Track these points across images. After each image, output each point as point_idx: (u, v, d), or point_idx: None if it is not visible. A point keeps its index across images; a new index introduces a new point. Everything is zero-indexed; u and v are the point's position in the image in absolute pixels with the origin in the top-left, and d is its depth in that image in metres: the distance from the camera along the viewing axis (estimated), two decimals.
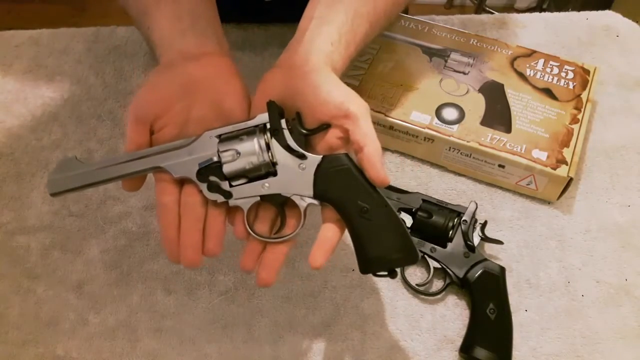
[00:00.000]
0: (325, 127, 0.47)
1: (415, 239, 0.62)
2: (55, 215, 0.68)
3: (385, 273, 0.47)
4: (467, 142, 0.66)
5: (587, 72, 0.72)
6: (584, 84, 0.71)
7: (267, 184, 0.47)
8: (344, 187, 0.46)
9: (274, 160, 0.47)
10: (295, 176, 0.47)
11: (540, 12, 0.90)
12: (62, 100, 0.78)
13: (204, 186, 0.47)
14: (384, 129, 0.69)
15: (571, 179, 0.63)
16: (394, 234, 0.47)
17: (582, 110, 0.69)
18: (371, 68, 0.73)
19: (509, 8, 2.18)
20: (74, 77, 0.80)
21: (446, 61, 0.73)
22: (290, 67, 0.49)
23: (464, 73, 0.72)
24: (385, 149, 0.72)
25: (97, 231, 0.67)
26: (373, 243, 0.47)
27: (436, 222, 0.62)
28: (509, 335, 0.58)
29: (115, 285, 0.63)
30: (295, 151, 0.47)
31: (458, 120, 0.68)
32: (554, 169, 0.64)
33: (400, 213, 0.64)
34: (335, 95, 0.46)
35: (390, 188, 0.66)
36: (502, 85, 0.71)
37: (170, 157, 0.47)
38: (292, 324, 0.60)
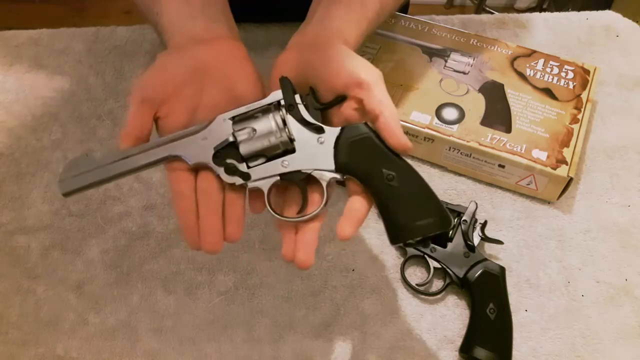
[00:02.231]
0: (340, 99, 0.46)
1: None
2: (55, 215, 0.68)
3: (414, 241, 0.45)
4: (467, 142, 0.66)
5: (587, 72, 0.73)
6: (584, 84, 0.71)
7: (286, 162, 0.46)
8: (366, 156, 0.45)
9: (292, 136, 0.45)
10: (315, 151, 0.45)
11: (540, 12, 0.90)
12: (62, 100, 0.78)
13: (221, 170, 0.45)
14: None
15: (571, 179, 0.63)
16: (423, 199, 0.44)
17: (582, 110, 0.69)
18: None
19: (509, 8, 2.18)
20: (74, 77, 0.80)
21: (446, 61, 0.73)
22: (301, 46, 0.49)
23: (464, 73, 0.72)
24: None
25: (97, 231, 0.67)
26: (402, 210, 0.44)
27: None
28: (509, 335, 0.58)
29: (115, 285, 0.63)
30: (312, 125, 0.45)
31: (458, 120, 0.68)
32: (554, 169, 0.64)
33: None
34: (347, 65, 0.45)
35: None
36: (502, 85, 0.71)
37: (183, 144, 0.46)
38: (292, 324, 0.60)
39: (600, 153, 0.72)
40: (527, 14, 0.89)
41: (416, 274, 0.64)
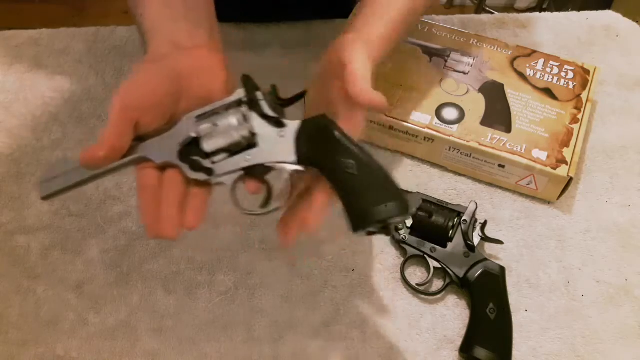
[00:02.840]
0: (300, 96, 0.48)
1: (415, 239, 0.62)
2: (55, 215, 0.68)
3: (377, 230, 0.45)
4: (467, 142, 0.66)
5: (587, 72, 0.72)
6: (584, 84, 0.71)
7: (248, 156, 0.46)
8: (326, 147, 0.45)
9: (253, 131, 0.46)
10: (277, 144, 0.46)
11: (540, 12, 0.90)
12: (62, 100, 0.78)
13: (186, 166, 0.46)
14: (384, 128, 0.69)
15: (571, 178, 0.63)
16: (382, 186, 0.45)
17: (582, 110, 0.69)
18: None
19: (509, 8, 2.18)
20: (74, 77, 0.80)
21: (446, 61, 0.73)
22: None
23: (464, 73, 0.72)
24: (385, 148, 0.72)
25: (97, 231, 0.67)
26: (361, 198, 0.45)
27: (436, 222, 0.62)
28: (509, 335, 0.58)
29: (115, 285, 0.63)
30: (273, 119, 0.46)
31: (458, 120, 0.68)
32: (554, 168, 0.64)
33: None
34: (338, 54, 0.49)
35: None
36: (502, 85, 0.71)
37: (151, 145, 0.47)
38: (292, 324, 0.60)
39: (600, 153, 0.72)
40: (527, 14, 0.89)
41: (416, 274, 0.64)
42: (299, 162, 0.46)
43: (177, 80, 0.47)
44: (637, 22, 0.87)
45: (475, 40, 0.76)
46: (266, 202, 0.49)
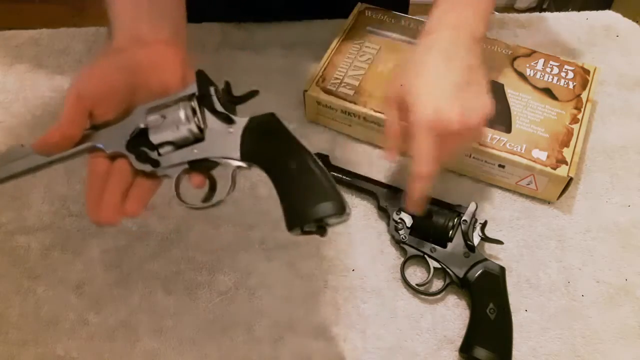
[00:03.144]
0: (252, 94, 0.48)
1: (415, 239, 0.62)
2: (55, 215, 0.68)
3: (314, 229, 0.45)
4: None
5: (587, 72, 0.72)
6: (584, 84, 0.71)
7: (195, 150, 0.47)
8: (269, 145, 0.46)
9: (201, 125, 0.47)
10: (224, 140, 0.47)
11: (540, 12, 0.90)
12: (62, 100, 0.77)
13: (132, 157, 0.47)
14: (384, 128, 0.69)
15: (571, 179, 0.63)
16: (320, 185, 0.45)
17: (582, 110, 0.69)
18: (371, 68, 0.73)
19: (509, 8, 2.18)
20: (74, 77, 0.80)
21: None
22: None
23: None
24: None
25: (97, 231, 0.67)
26: (298, 196, 0.45)
27: (436, 222, 0.62)
28: (509, 335, 0.58)
29: (115, 286, 0.63)
30: (222, 115, 0.47)
31: None
32: (554, 168, 0.64)
33: (401, 213, 0.64)
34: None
35: (391, 188, 0.66)
36: (502, 85, 0.71)
37: (104, 134, 0.47)
38: (292, 324, 0.60)
39: (600, 153, 0.72)
40: (527, 14, 0.89)
41: (416, 274, 0.64)
42: (242, 159, 0.47)
43: (133, 72, 0.48)
44: (637, 22, 0.87)
45: None
46: (209, 196, 0.49)
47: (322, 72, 0.73)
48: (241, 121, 0.47)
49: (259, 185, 0.70)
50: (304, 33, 0.84)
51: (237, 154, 0.46)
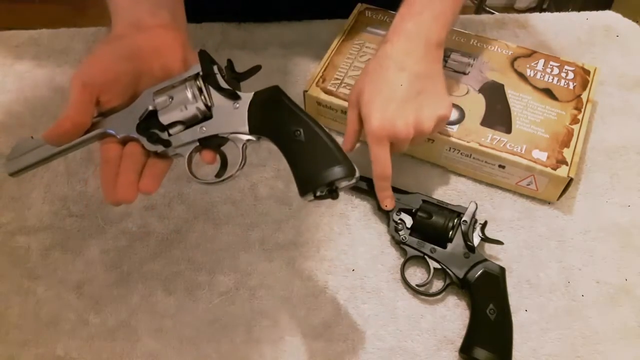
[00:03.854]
0: (256, 69, 0.49)
1: (415, 240, 0.62)
2: (56, 215, 0.68)
3: (325, 193, 0.46)
4: (467, 142, 0.66)
5: (587, 72, 0.72)
6: (584, 84, 0.71)
7: (204, 127, 0.48)
8: (275, 116, 0.47)
9: (208, 103, 0.48)
10: (231, 116, 0.48)
11: (540, 12, 0.90)
12: (62, 100, 0.78)
13: (144, 139, 0.48)
14: None
15: (571, 179, 0.63)
16: (328, 151, 0.47)
17: (582, 110, 0.69)
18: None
19: (509, 8, 2.18)
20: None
21: (446, 61, 0.73)
22: None
23: (464, 73, 0.72)
24: None
25: (97, 231, 0.67)
26: (308, 162, 0.46)
27: (436, 223, 0.62)
28: (509, 336, 0.58)
29: (116, 286, 0.63)
30: (227, 92, 0.48)
31: (458, 121, 0.68)
32: (554, 169, 0.64)
33: (401, 214, 0.64)
34: None
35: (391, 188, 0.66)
36: (502, 86, 0.71)
37: (112, 119, 0.48)
38: (293, 325, 0.60)
39: (601, 153, 0.72)
40: (527, 14, 0.89)
41: (416, 275, 0.64)
42: (250, 132, 0.48)
43: (135, 58, 0.49)
44: (637, 22, 0.87)
45: (476, 41, 0.76)
46: (221, 172, 0.50)
47: (322, 73, 0.73)
48: (246, 96, 0.48)
49: (259, 185, 0.70)
50: (304, 33, 0.84)
51: (246, 128, 0.48)
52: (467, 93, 0.70)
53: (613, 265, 0.64)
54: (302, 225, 0.67)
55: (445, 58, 0.74)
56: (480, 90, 0.71)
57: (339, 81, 0.72)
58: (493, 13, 1.37)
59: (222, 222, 0.67)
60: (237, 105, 0.48)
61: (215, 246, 0.65)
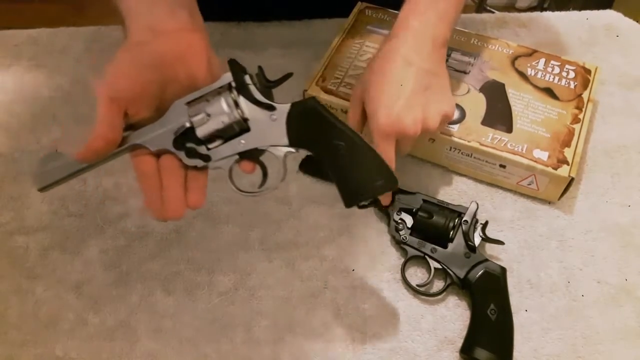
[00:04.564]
0: (287, 77, 0.49)
1: (415, 240, 0.62)
2: (55, 215, 0.68)
3: (367, 203, 0.48)
4: (468, 142, 0.66)
5: (588, 71, 0.72)
6: (585, 84, 0.71)
7: (243, 141, 0.48)
8: (316, 129, 0.47)
9: (245, 116, 0.47)
10: (269, 128, 0.48)
11: (541, 11, 0.89)
12: (61, 100, 0.78)
13: (182, 154, 0.48)
14: None
15: (572, 179, 0.63)
16: (371, 164, 0.47)
17: (583, 110, 0.69)
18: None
19: (510, 7, 2.18)
20: (74, 77, 0.80)
21: (447, 60, 0.73)
22: None
23: (465, 72, 0.72)
24: None
25: (96, 231, 0.66)
26: (353, 175, 0.47)
27: (437, 223, 0.62)
28: (510, 336, 0.57)
29: (115, 286, 0.63)
30: (263, 103, 0.47)
31: (459, 120, 0.68)
32: (555, 169, 0.64)
33: (401, 213, 0.63)
34: None
35: None
36: (503, 85, 0.71)
37: (144, 133, 0.48)
38: (292, 325, 0.60)
39: (602, 153, 0.72)
40: (528, 13, 0.88)
41: (417, 275, 0.63)
42: (290, 145, 0.48)
43: (160, 66, 0.48)
44: (638, 21, 0.86)
45: (476, 40, 0.76)
46: (262, 182, 0.51)
47: (322, 72, 0.73)
48: (282, 107, 0.48)
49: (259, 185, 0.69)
50: (303, 33, 0.84)
51: (286, 141, 0.48)
52: (467, 92, 0.70)
53: (614, 265, 0.63)
54: (302, 225, 0.67)
55: (446, 57, 0.73)
56: (481, 90, 0.70)
57: (339, 80, 0.72)
58: (494, 12, 1.36)
59: (221, 222, 0.67)
60: (274, 117, 0.48)
61: (215, 246, 0.65)
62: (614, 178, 0.70)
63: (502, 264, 0.61)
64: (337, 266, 0.64)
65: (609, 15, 0.87)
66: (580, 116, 0.68)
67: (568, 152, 0.65)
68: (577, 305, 0.61)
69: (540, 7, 2.07)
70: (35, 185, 0.48)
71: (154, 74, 0.47)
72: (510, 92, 0.70)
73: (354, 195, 0.48)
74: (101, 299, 0.62)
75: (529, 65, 0.73)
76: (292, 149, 0.48)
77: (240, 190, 0.49)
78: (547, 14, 0.88)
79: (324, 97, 0.70)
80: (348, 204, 0.48)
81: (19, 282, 0.63)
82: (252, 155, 0.49)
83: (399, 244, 0.63)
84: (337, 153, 0.47)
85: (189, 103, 0.48)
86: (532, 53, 0.74)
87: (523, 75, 0.72)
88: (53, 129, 0.75)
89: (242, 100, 0.47)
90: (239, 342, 0.59)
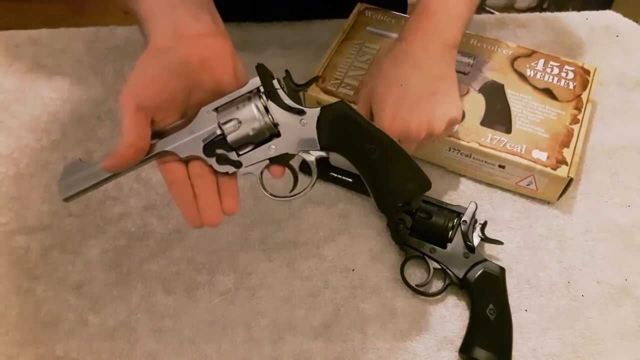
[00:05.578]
0: (315, 79, 0.49)
1: (415, 240, 0.62)
2: (55, 215, 0.68)
3: (401, 205, 0.48)
4: (467, 142, 0.66)
5: (587, 72, 0.72)
6: (584, 84, 0.71)
7: (273, 146, 0.48)
8: (347, 133, 0.47)
9: (275, 121, 0.47)
10: (299, 132, 0.48)
11: (541, 12, 0.90)
12: (61, 100, 0.78)
13: (212, 160, 0.47)
14: None
15: (571, 179, 0.63)
16: (404, 167, 0.48)
17: (583, 110, 0.69)
18: (371, 68, 0.73)
19: (509, 8, 2.18)
20: (74, 77, 0.80)
21: None
22: None
23: (464, 73, 0.72)
24: None
25: (96, 231, 0.67)
26: (386, 179, 0.48)
27: (436, 223, 0.62)
28: (509, 336, 0.58)
29: (115, 286, 0.63)
30: (293, 108, 0.47)
31: None
32: (554, 169, 0.64)
33: (401, 213, 0.63)
34: None
35: None
36: (502, 86, 0.71)
37: (173, 140, 0.47)
38: (292, 325, 0.60)
39: (601, 153, 0.72)
40: (527, 14, 0.89)
41: (416, 275, 0.64)
42: (321, 149, 0.48)
43: (185, 73, 0.47)
44: (637, 22, 0.87)
45: (476, 41, 0.76)
46: (293, 186, 0.50)
47: (322, 73, 0.73)
48: (312, 111, 0.48)
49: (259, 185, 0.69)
50: (303, 33, 0.84)
51: (317, 145, 0.48)
52: (467, 93, 0.70)
53: (613, 266, 0.63)
54: (302, 225, 0.67)
55: None
56: (480, 90, 0.70)
57: (338, 81, 0.72)
58: (493, 13, 1.37)
59: (221, 222, 0.67)
60: (304, 121, 0.48)
61: (215, 246, 0.65)
62: (613, 178, 0.70)
63: (501, 264, 0.61)
64: (336, 266, 0.64)
65: (609, 16, 0.87)
66: (580, 117, 0.68)
67: (567, 153, 0.65)
68: (576, 305, 0.61)
69: (539, 8, 2.07)
70: (60, 195, 0.48)
71: (180, 80, 0.47)
72: (510, 92, 0.70)
73: (388, 199, 0.48)
74: (101, 299, 0.62)
75: (528, 65, 0.73)
76: (323, 153, 0.48)
77: (273, 196, 0.49)
78: (547, 15, 0.88)
79: (323, 98, 0.70)
80: (382, 207, 0.48)
81: (19, 282, 0.63)
82: (282, 160, 0.49)
83: (399, 244, 0.63)
84: (369, 157, 0.47)
85: (217, 109, 0.47)
86: (531, 54, 0.74)
87: (522, 76, 0.72)
88: (53, 129, 0.75)
89: (271, 105, 0.47)
90: (239, 342, 0.59)
